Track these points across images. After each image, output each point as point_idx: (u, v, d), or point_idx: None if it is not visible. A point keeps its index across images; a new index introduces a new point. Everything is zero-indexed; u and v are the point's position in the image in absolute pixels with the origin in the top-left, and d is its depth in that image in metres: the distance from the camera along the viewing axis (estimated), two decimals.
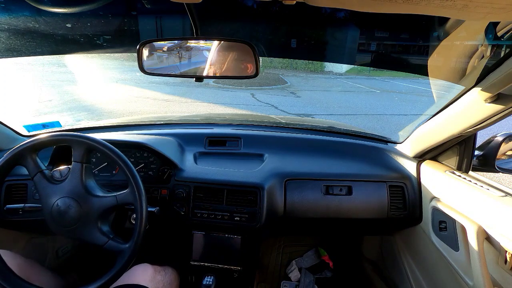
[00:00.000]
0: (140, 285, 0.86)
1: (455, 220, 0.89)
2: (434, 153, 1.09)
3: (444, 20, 0.81)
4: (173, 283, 1.06)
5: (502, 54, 0.65)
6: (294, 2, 0.42)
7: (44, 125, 1.41)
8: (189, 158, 1.19)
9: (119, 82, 8.76)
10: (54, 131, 1.04)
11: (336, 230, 1.40)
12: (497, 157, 0.95)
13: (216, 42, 0.86)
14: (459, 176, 0.94)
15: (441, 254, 0.96)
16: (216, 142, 1.29)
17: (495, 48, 0.78)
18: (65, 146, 0.82)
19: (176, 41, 0.90)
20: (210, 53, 0.87)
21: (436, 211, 0.99)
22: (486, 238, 0.81)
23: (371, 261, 1.50)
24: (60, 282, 1.01)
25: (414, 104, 7.78)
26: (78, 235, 0.78)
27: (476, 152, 0.99)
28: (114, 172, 1.13)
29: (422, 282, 1.10)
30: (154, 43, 0.86)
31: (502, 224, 0.75)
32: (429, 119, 0.99)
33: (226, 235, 1.18)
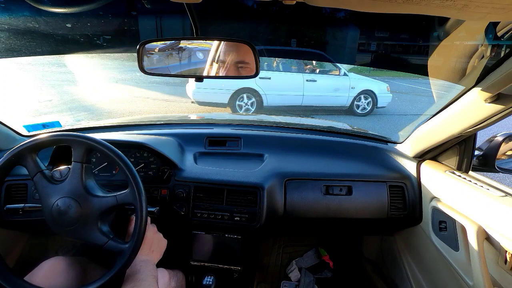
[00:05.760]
0: None
1: (455, 220, 0.89)
2: (434, 153, 1.09)
3: (444, 20, 0.81)
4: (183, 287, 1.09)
5: (502, 54, 0.65)
6: (294, 2, 0.42)
7: (44, 125, 1.41)
8: (189, 158, 1.19)
9: (119, 82, 8.73)
10: (54, 131, 1.04)
11: (336, 230, 1.39)
12: (497, 157, 0.95)
13: (216, 42, 0.86)
14: (459, 176, 0.94)
15: (441, 254, 0.96)
16: (216, 142, 1.29)
17: (495, 48, 0.78)
18: (65, 146, 0.81)
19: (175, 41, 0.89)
20: (210, 53, 0.87)
21: (436, 211, 0.99)
22: (486, 238, 0.81)
23: (371, 261, 1.50)
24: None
25: (413, 104, 7.77)
26: (78, 235, 0.78)
27: (476, 152, 0.99)
28: (114, 172, 1.13)
29: (422, 282, 1.10)
30: (154, 43, 0.86)
31: (502, 224, 0.75)
32: (429, 119, 0.99)
33: (226, 235, 1.18)
